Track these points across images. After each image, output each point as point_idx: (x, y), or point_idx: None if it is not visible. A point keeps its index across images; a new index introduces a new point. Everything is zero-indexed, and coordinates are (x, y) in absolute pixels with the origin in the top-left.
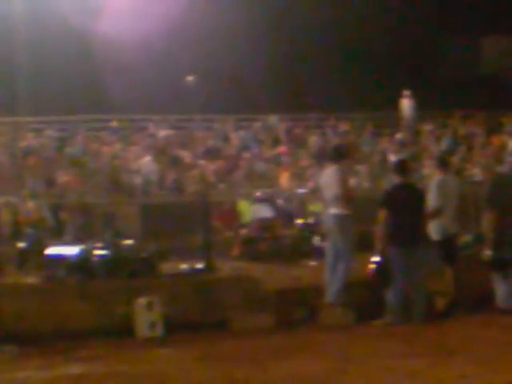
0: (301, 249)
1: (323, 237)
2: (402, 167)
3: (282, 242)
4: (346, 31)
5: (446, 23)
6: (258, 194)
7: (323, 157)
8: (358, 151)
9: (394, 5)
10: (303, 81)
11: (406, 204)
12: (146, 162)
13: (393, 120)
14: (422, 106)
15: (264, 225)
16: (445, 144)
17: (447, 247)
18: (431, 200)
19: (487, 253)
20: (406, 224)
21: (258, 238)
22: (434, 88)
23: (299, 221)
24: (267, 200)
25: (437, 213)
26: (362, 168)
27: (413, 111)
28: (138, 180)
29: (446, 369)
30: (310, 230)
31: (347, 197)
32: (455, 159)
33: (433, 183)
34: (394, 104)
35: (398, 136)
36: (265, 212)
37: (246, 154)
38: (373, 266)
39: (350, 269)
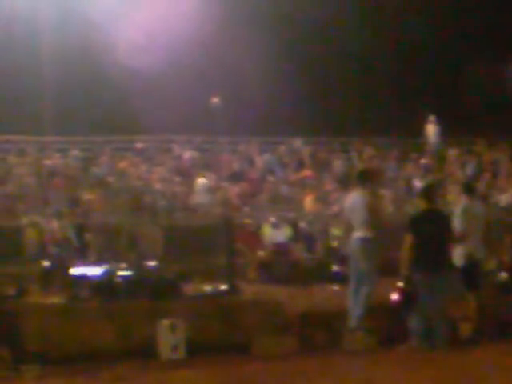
0: (321, 273)
1: (343, 261)
2: (427, 193)
3: (299, 266)
4: (373, 57)
5: (470, 48)
6: (273, 218)
7: (347, 181)
8: (382, 176)
9: (419, 30)
10: (329, 105)
11: (431, 230)
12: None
13: (418, 145)
14: (446, 131)
15: (279, 249)
16: (470, 170)
17: (472, 273)
18: (456, 225)
19: (503, 275)
20: (432, 250)
21: (273, 261)
22: (458, 113)
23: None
24: (286, 223)
25: (462, 238)
26: (386, 193)
27: (438, 137)
28: (161, 201)
29: None
30: (332, 254)
31: (375, 220)
32: (480, 185)
33: (458, 209)
34: (419, 129)
35: (423, 161)
36: (281, 236)
37: (271, 178)
38: (397, 292)
39: (373, 293)
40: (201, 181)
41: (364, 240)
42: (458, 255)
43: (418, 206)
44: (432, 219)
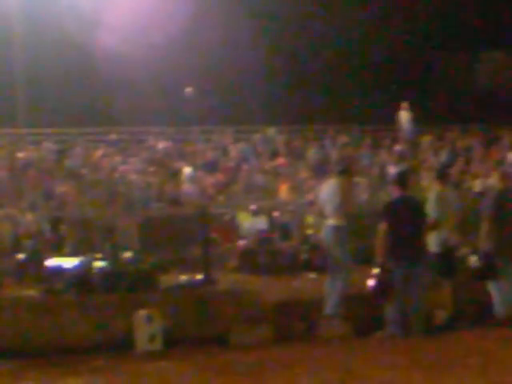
0: (296, 262)
1: (316, 249)
2: (401, 179)
3: (280, 255)
4: (346, 44)
5: (444, 38)
6: (253, 206)
7: (322, 169)
8: (356, 164)
9: (394, 19)
10: (302, 93)
11: (405, 217)
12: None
13: (391, 132)
14: (419, 119)
15: (262, 237)
16: (443, 156)
17: (446, 259)
18: (430, 212)
19: (476, 260)
20: (406, 237)
21: (257, 250)
22: (431, 101)
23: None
24: (263, 212)
25: (435, 225)
26: (360, 180)
27: (411, 123)
28: (136, 192)
29: (445, 381)
30: (309, 242)
31: (346, 209)
32: (454, 171)
33: (431, 195)
34: (392, 116)
35: (397, 148)
36: (262, 224)
37: (245, 167)
38: (372, 280)
39: (348, 281)
40: (186, 170)
41: (337, 228)
42: (432, 242)
43: (391, 192)
44: (406, 206)
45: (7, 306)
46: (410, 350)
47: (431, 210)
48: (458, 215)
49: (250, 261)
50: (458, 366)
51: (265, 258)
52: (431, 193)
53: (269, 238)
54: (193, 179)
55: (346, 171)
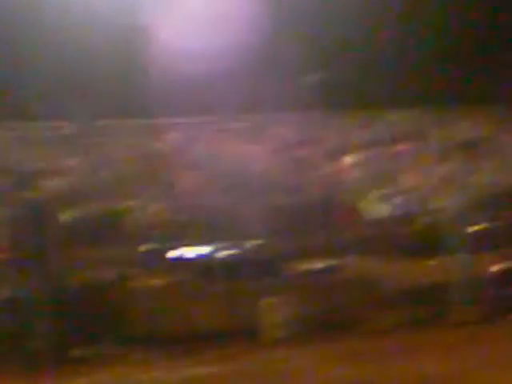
0: (420, 247)
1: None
2: None
3: (402, 241)
4: (465, 20)
5: None
6: (377, 193)
7: (447, 153)
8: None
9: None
10: (424, 75)
11: None
12: None
13: None
14: None
15: (382, 224)
16: None
17: None
18: None
19: None
20: None
21: (382, 235)
22: None
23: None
24: (387, 199)
25: None
26: (487, 163)
27: None
28: (261, 180)
29: None
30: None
31: None
32: None
33: None
34: None
35: None
36: (384, 211)
37: (368, 153)
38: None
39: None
40: (352, 157)
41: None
42: None
43: None
44: None
45: (136, 296)
46: None
47: None
48: None
49: (373, 247)
50: None
51: (388, 244)
52: None
53: (387, 225)
54: (360, 165)
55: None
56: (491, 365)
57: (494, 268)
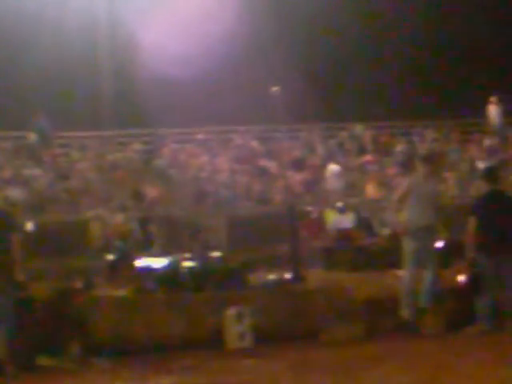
0: (384, 259)
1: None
2: (491, 174)
3: (362, 252)
4: (431, 40)
5: None
6: (340, 204)
7: (410, 165)
8: (446, 159)
9: (486, 10)
10: (389, 88)
11: (496, 212)
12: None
13: (480, 126)
14: (510, 112)
15: (343, 235)
16: None
17: None
18: None
19: None
20: (497, 231)
21: (337, 248)
22: None
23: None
24: (350, 210)
25: None
26: (450, 175)
27: (500, 117)
28: (224, 191)
29: None
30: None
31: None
32: None
33: None
34: (481, 110)
35: (486, 143)
36: (346, 222)
37: (334, 164)
38: (464, 274)
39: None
40: (332, 167)
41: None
42: None
43: (481, 188)
44: (496, 200)
45: (99, 306)
46: (502, 346)
47: None
48: None
49: (335, 258)
50: None
51: (349, 255)
52: None
53: (349, 236)
54: (338, 175)
55: (431, 164)
56: (453, 374)
57: (460, 277)
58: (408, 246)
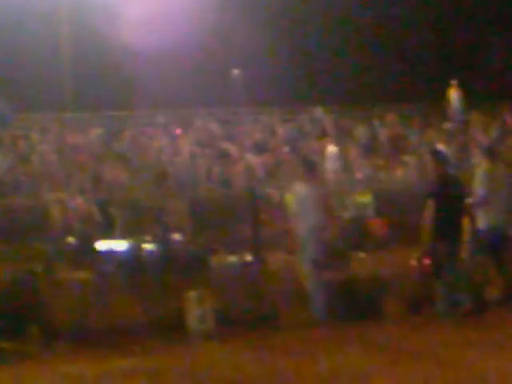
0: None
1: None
2: (492, 152)
3: None
4: (392, 24)
5: (494, 12)
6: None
7: (371, 148)
8: (405, 142)
9: None
10: (349, 72)
11: (452, 195)
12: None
13: (441, 110)
14: (470, 95)
15: None
16: (494, 134)
17: (493, 237)
18: (477, 189)
19: None
20: (452, 216)
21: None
22: (482, 77)
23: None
24: None
25: (482, 202)
26: (410, 159)
27: (460, 101)
28: (185, 174)
29: (500, 359)
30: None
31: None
32: (503, 149)
33: (479, 173)
34: (441, 94)
35: (446, 126)
36: None
37: (293, 147)
38: (423, 259)
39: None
40: (330, 148)
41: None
42: (481, 219)
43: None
44: (452, 184)
45: (60, 289)
46: (463, 327)
47: (478, 187)
48: (507, 194)
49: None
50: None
51: None
52: (479, 170)
53: None
54: (336, 157)
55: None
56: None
57: (419, 263)
58: None
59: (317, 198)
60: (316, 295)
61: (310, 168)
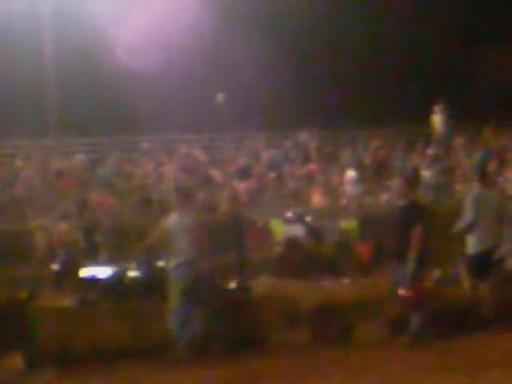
0: (331, 267)
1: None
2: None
3: (314, 260)
4: (375, 47)
5: (479, 33)
6: (289, 214)
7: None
8: (390, 167)
9: (427, 15)
10: (333, 98)
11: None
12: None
13: (425, 135)
14: (455, 117)
15: (295, 243)
16: (478, 157)
17: (482, 261)
18: (467, 213)
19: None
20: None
21: (290, 255)
22: (467, 100)
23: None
24: (297, 219)
25: (469, 228)
26: (393, 183)
27: (444, 126)
28: (169, 200)
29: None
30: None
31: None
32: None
33: (470, 196)
34: (425, 118)
35: (430, 151)
36: (296, 231)
37: (277, 172)
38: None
39: None
40: (350, 173)
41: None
42: (470, 243)
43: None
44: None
45: (44, 316)
46: (447, 351)
47: (468, 210)
48: (497, 216)
49: (283, 266)
50: (494, 368)
51: (298, 263)
52: (470, 193)
53: (299, 244)
54: (357, 182)
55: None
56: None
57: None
58: None
59: (190, 228)
60: (176, 332)
61: (185, 196)
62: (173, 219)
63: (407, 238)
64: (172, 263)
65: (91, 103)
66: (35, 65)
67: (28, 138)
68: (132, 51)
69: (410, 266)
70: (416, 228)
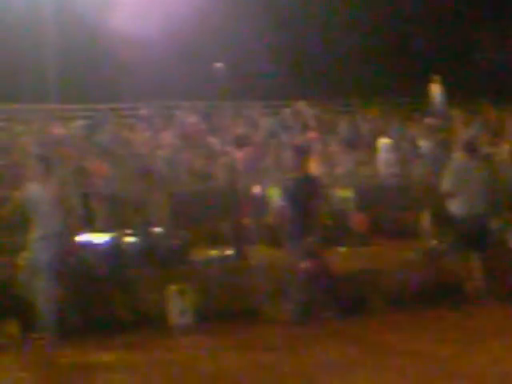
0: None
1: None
2: (471, 146)
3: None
4: (374, 16)
5: (477, 12)
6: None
7: (353, 142)
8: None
9: None
10: (332, 67)
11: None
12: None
13: (423, 106)
14: (452, 91)
15: (282, 211)
16: (473, 129)
17: (476, 231)
18: (445, 180)
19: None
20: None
21: (279, 225)
22: (465, 73)
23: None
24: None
25: (448, 195)
26: (391, 155)
27: (442, 96)
28: (167, 168)
29: (474, 356)
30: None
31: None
32: (482, 144)
33: (450, 164)
34: (424, 90)
35: (428, 121)
36: None
37: (275, 141)
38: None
39: None
40: (384, 139)
41: None
42: (455, 208)
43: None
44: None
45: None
46: (440, 323)
47: (446, 179)
48: (486, 187)
49: (277, 235)
50: (491, 339)
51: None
52: (452, 162)
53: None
54: (391, 149)
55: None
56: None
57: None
58: None
59: (53, 200)
60: (43, 310)
61: (47, 167)
62: (32, 189)
63: (302, 213)
64: (33, 236)
65: (90, 69)
66: (35, 32)
67: (26, 102)
68: (131, 19)
69: (307, 241)
70: (312, 202)
